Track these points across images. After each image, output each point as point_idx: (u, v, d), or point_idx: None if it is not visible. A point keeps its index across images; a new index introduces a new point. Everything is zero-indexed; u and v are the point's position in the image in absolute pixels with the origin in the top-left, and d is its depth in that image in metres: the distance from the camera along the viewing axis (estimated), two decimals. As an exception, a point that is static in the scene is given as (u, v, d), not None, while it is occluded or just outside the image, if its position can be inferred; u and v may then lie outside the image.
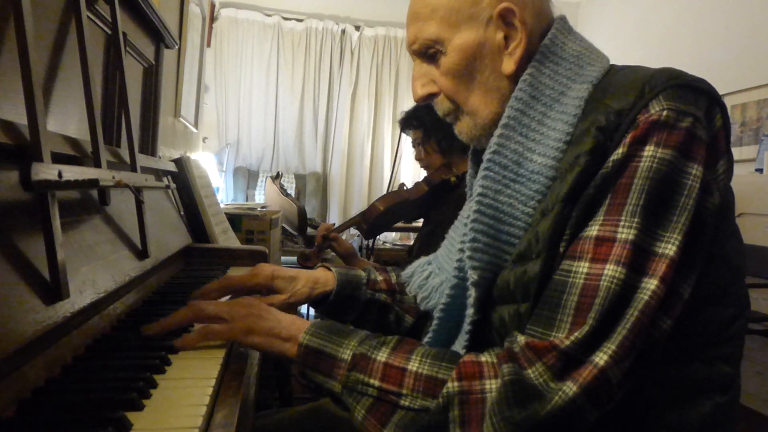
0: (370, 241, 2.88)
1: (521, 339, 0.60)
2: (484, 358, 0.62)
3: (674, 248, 0.57)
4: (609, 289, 0.56)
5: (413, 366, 0.63)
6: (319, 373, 0.67)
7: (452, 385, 0.59)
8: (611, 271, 0.56)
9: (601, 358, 0.55)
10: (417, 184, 1.95)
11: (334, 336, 0.68)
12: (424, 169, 1.96)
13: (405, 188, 2.06)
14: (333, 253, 2.24)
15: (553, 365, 0.56)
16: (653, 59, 3.52)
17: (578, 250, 0.60)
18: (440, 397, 0.59)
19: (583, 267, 0.59)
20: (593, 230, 0.59)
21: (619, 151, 0.60)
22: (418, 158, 1.93)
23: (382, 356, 0.65)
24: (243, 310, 0.72)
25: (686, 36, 3.51)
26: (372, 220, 1.97)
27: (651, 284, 0.56)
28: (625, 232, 0.57)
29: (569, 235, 0.62)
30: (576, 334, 0.56)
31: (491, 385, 0.58)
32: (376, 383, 0.63)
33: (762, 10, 2.99)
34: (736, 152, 2.90)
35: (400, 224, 3.70)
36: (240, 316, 0.71)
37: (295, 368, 0.69)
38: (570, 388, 0.54)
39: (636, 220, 0.57)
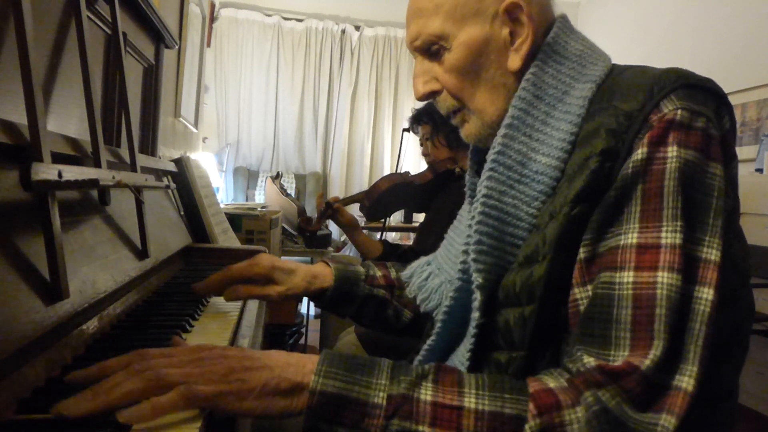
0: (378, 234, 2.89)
1: (591, 361, 0.55)
2: (553, 383, 0.56)
3: (718, 253, 0.55)
4: (668, 297, 0.53)
5: (470, 402, 0.54)
6: (341, 426, 0.53)
7: (534, 423, 0.52)
8: (666, 278, 0.53)
9: (688, 383, 0.52)
10: (422, 171, 2.00)
11: (355, 375, 0.55)
12: (430, 164, 2.01)
13: (410, 174, 2.11)
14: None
15: (631, 390, 0.51)
16: (653, 59, 3.52)
17: (618, 260, 0.57)
18: None
19: (627, 277, 0.55)
20: (632, 238, 0.56)
21: (639, 151, 0.58)
22: (425, 153, 1.96)
23: (426, 394, 0.54)
24: (219, 367, 0.53)
25: (686, 36, 3.52)
26: (375, 198, 2.01)
27: (708, 294, 0.54)
28: (670, 237, 0.55)
29: (590, 239, 0.59)
30: (654, 352, 0.52)
31: (571, 416, 0.52)
32: (427, 430, 0.52)
33: (762, 10, 2.99)
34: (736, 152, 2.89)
35: (399, 224, 3.71)
36: (220, 377, 0.52)
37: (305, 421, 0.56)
38: (669, 421, 0.50)
39: (679, 223, 0.55)
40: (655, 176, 0.57)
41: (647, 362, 0.52)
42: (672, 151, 0.57)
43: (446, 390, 0.55)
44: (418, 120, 1.93)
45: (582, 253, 0.60)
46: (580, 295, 0.60)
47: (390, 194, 2.02)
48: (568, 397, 0.54)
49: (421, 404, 0.53)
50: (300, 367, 0.55)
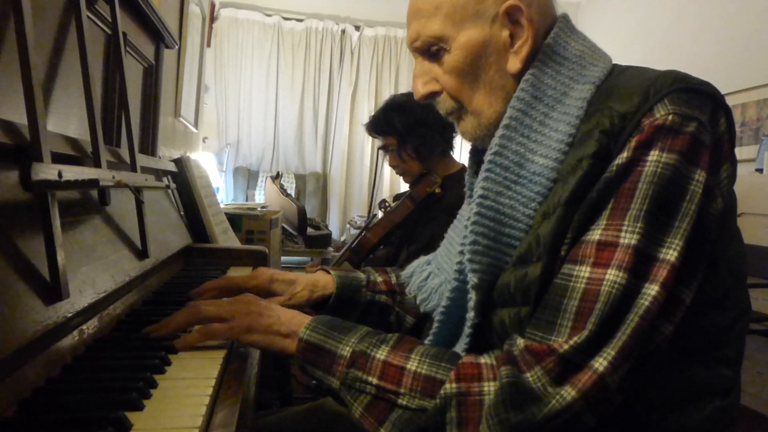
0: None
1: (520, 342, 0.59)
2: (484, 360, 0.61)
3: (675, 254, 0.56)
4: (610, 294, 0.55)
5: (412, 365, 0.62)
6: (318, 369, 0.66)
7: (450, 386, 0.58)
8: (613, 276, 0.56)
9: (600, 363, 0.54)
10: (402, 202, 1.82)
11: (334, 332, 0.67)
12: (401, 175, 1.87)
13: (389, 207, 1.93)
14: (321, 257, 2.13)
15: (551, 370, 0.55)
16: (653, 59, 3.52)
17: (580, 254, 0.59)
18: (438, 398, 0.58)
19: (584, 272, 0.58)
20: (596, 234, 0.59)
21: (624, 155, 0.59)
22: (392, 164, 1.82)
23: (381, 354, 0.64)
24: (242, 307, 0.72)
25: (686, 36, 3.51)
26: (364, 254, 1.88)
27: (652, 290, 0.55)
28: (628, 237, 0.57)
29: (570, 238, 0.61)
30: (575, 338, 0.55)
31: (489, 387, 0.57)
32: (375, 381, 0.62)
33: (762, 9, 2.99)
34: (736, 152, 2.89)
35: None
36: (240, 315, 0.71)
37: (295, 365, 0.71)
38: (568, 392, 0.54)
39: (639, 225, 0.57)
40: (632, 178, 0.58)
41: (566, 346, 0.55)
42: (654, 155, 0.58)
43: (398, 353, 0.64)
44: (377, 130, 1.77)
45: (563, 251, 0.61)
46: None
47: (378, 245, 1.88)
48: (491, 372, 0.59)
49: (375, 361, 0.64)
50: (300, 320, 0.70)
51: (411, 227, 1.83)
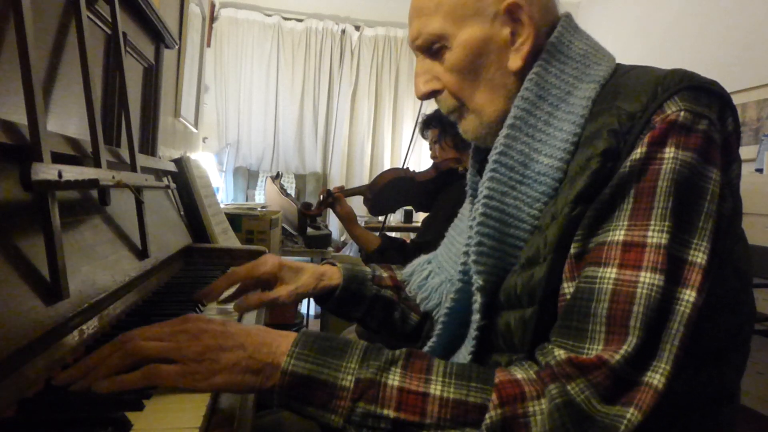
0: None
1: (560, 353, 0.55)
2: (520, 374, 0.57)
3: (705, 256, 0.55)
4: (649, 297, 0.53)
5: (435, 389, 0.55)
6: (310, 406, 0.55)
7: (495, 413, 0.53)
8: (648, 278, 0.54)
9: (658, 381, 0.51)
10: (426, 169, 2.04)
11: (326, 357, 0.56)
12: (434, 162, 2.03)
13: (413, 171, 2.15)
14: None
15: (599, 383, 0.52)
16: (653, 59, 3.51)
17: (603, 256, 0.57)
18: (483, 428, 0.52)
19: (610, 273, 0.55)
20: (618, 235, 0.56)
21: (638, 151, 0.57)
22: (433, 157, 1.98)
23: (394, 380, 0.55)
24: (195, 345, 0.56)
25: (686, 36, 3.51)
26: (377, 190, 2.06)
27: (690, 296, 0.54)
28: (657, 237, 0.55)
29: (582, 235, 0.59)
30: (624, 347, 0.52)
31: (534, 408, 0.53)
32: (391, 414, 0.53)
33: (762, 9, 2.99)
34: (736, 152, 2.89)
35: (399, 224, 3.71)
36: (194, 355, 0.55)
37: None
38: (635, 416, 0.50)
39: (666, 224, 0.55)
40: (650, 175, 0.57)
41: (617, 357, 0.52)
42: (670, 152, 0.57)
43: (414, 376, 0.56)
44: (427, 124, 1.96)
45: (573, 248, 0.60)
46: (568, 290, 0.60)
47: (392, 188, 2.07)
48: (534, 389, 0.54)
49: (388, 389, 0.55)
50: (274, 347, 0.57)
51: (432, 193, 2.02)
